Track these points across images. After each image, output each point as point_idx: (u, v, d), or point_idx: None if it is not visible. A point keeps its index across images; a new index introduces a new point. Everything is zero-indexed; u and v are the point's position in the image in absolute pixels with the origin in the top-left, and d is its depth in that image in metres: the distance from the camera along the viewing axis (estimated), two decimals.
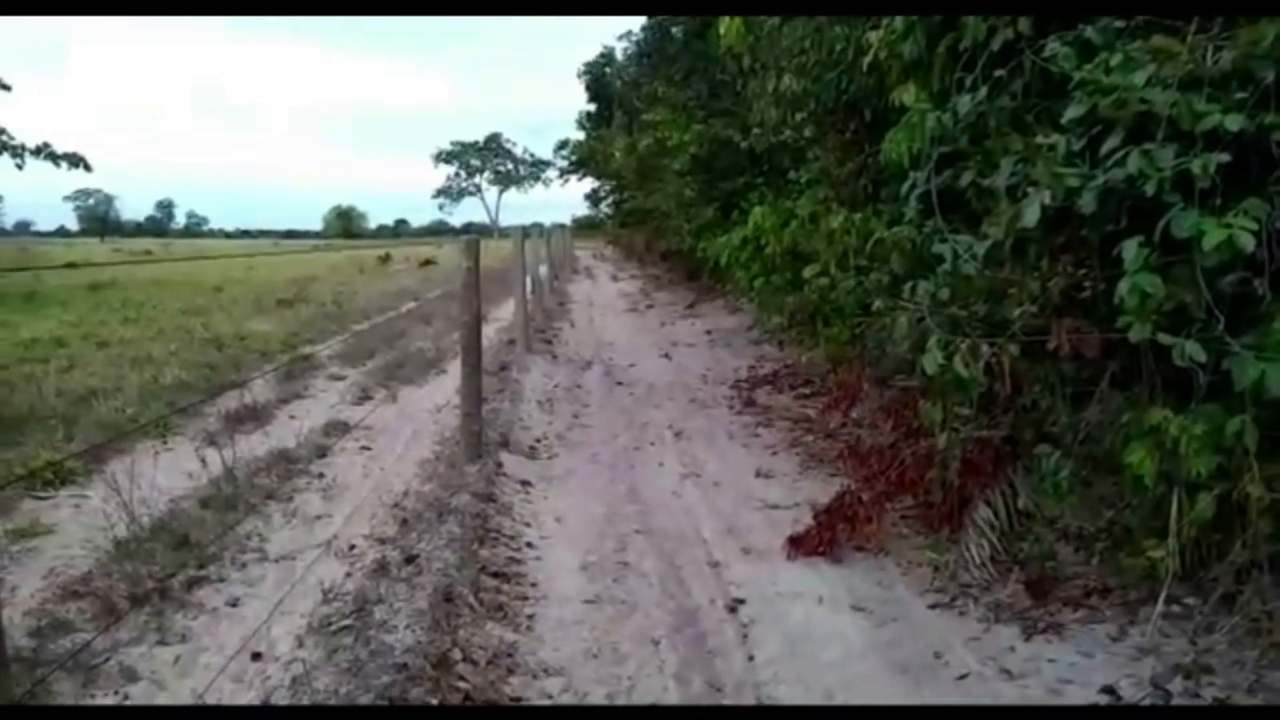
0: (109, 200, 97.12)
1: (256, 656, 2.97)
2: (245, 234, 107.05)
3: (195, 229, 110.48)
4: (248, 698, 2.75)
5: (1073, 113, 2.92)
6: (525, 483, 5.08)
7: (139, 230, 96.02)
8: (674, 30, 12.18)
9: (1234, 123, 2.51)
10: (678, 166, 9.58)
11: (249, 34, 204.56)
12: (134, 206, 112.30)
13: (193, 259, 16.29)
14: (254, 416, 6.35)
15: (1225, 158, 2.49)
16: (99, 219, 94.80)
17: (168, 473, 4.90)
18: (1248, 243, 2.41)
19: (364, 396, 7.35)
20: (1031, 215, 2.90)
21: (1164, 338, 2.70)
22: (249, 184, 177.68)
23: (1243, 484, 2.76)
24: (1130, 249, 2.63)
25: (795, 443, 5.96)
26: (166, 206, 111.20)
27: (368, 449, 5.71)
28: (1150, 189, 2.56)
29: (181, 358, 8.39)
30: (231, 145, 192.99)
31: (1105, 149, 2.79)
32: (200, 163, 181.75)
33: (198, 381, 7.37)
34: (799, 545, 4.02)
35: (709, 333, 11.41)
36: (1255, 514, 2.79)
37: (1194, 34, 2.73)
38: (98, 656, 2.94)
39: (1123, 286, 2.64)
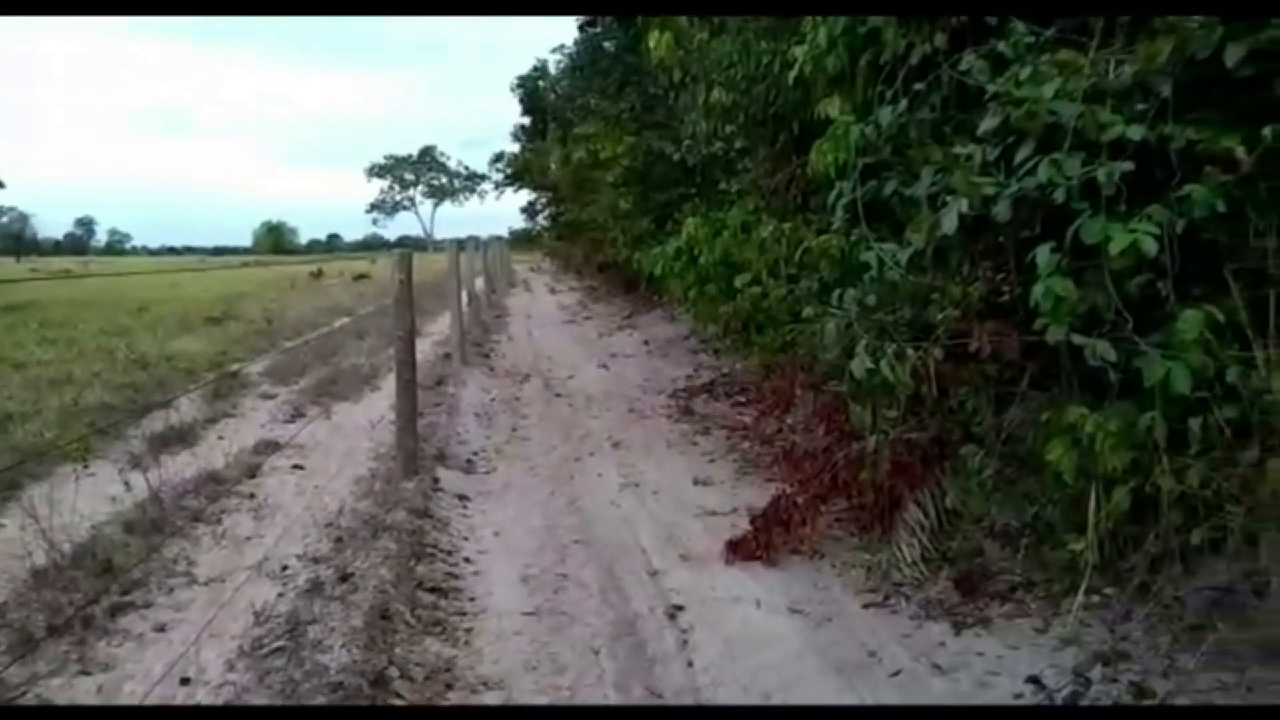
0: (24, 218, 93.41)
1: (185, 681, 2.89)
2: (171, 251, 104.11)
3: (117, 246, 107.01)
4: None
5: (987, 124, 3.03)
6: (463, 497, 5.04)
7: (57, 249, 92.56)
8: (605, 44, 12.25)
9: (1136, 133, 2.64)
10: (611, 179, 9.63)
11: (179, 41, 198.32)
12: (52, 224, 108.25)
13: (116, 275, 15.76)
14: (180, 438, 6.18)
15: (1128, 166, 2.61)
16: (14, 237, 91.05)
17: (89, 498, 4.74)
18: (1151, 247, 2.53)
19: (296, 414, 7.21)
20: (950, 223, 3.01)
21: (1077, 339, 2.81)
22: (174, 200, 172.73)
23: (1155, 477, 2.88)
24: (1043, 254, 2.74)
25: (732, 449, 6.03)
26: (86, 224, 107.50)
27: (300, 467, 5.60)
28: (1060, 196, 2.67)
29: (104, 379, 8.12)
30: (157, 160, 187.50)
31: (1018, 159, 2.89)
32: (123, 179, 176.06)
33: (121, 403, 7.15)
34: (736, 550, 4.06)
35: (646, 343, 11.46)
36: (1167, 506, 2.91)
37: (1096, 49, 2.86)
38: (13, 690, 2.83)
39: (1037, 290, 2.74)
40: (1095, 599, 3.20)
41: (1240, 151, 2.49)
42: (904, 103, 3.58)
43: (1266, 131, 2.40)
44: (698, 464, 5.78)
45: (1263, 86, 2.50)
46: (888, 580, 3.73)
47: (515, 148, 33.38)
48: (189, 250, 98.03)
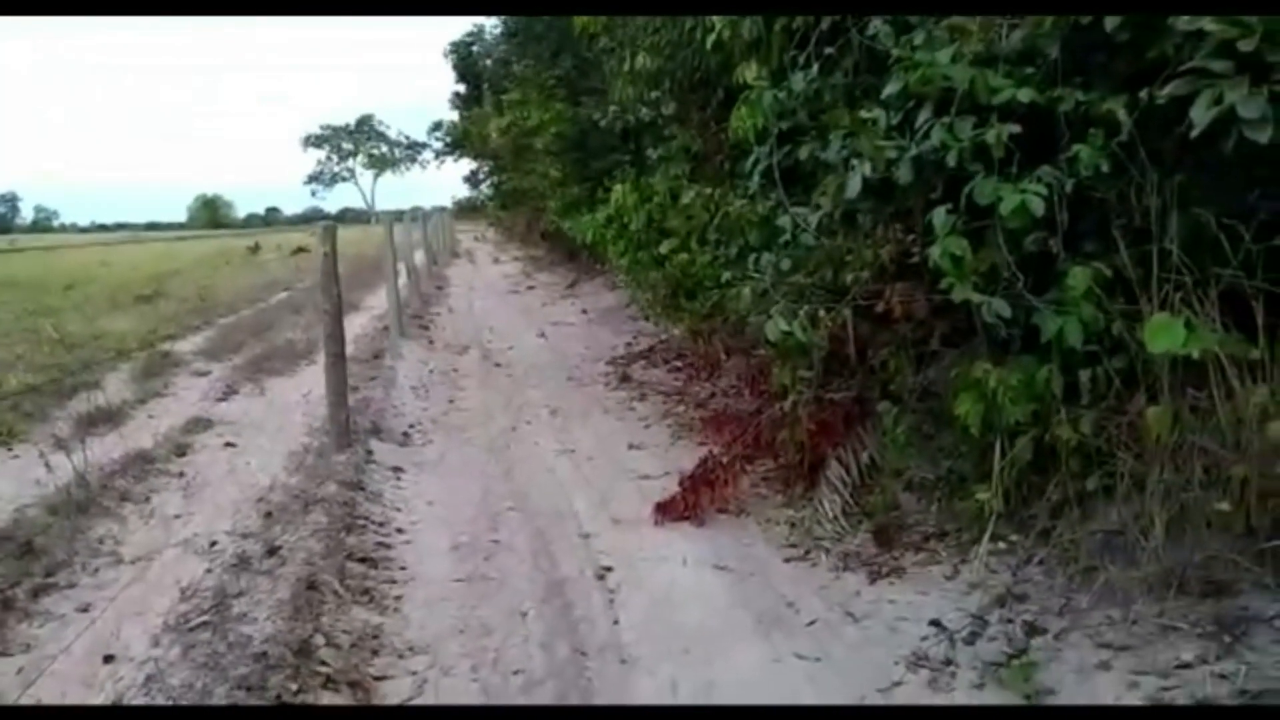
0: None
1: (109, 659, 2.90)
2: (102, 228, 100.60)
3: (44, 224, 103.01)
4: (98, 701, 2.68)
5: (890, 88, 3.11)
6: (397, 469, 5.05)
7: None
8: None
9: (1026, 95, 2.73)
10: (541, 146, 9.58)
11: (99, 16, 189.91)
12: None
13: (43, 249, 15.24)
14: (109, 418, 6.08)
15: (1015, 128, 2.71)
16: None
17: (12, 481, 4.68)
18: (1038, 206, 2.64)
19: (229, 391, 7.11)
20: (854, 186, 3.09)
21: (976, 296, 2.92)
22: (105, 177, 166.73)
23: (1053, 427, 3.02)
24: (939, 215, 2.84)
25: (667, 414, 6.11)
26: (9, 200, 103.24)
27: (232, 445, 5.55)
28: (952, 159, 2.76)
29: (28, 360, 7.93)
30: (85, 137, 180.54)
31: (918, 123, 2.98)
32: (49, 155, 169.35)
33: (46, 385, 6.98)
34: (665, 511, 4.15)
35: (586, 311, 11.48)
36: (1065, 454, 3.06)
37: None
38: None
39: (935, 251, 2.84)
40: (1001, 545, 3.34)
41: (1122, 114, 2.59)
42: (816, 68, 3.65)
43: (1144, 94, 2.50)
44: (634, 429, 5.85)
45: (1140, 51, 2.60)
46: (810, 535, 3.85)
47: (454, 115, 32.77)
48: (120, 227, 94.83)
